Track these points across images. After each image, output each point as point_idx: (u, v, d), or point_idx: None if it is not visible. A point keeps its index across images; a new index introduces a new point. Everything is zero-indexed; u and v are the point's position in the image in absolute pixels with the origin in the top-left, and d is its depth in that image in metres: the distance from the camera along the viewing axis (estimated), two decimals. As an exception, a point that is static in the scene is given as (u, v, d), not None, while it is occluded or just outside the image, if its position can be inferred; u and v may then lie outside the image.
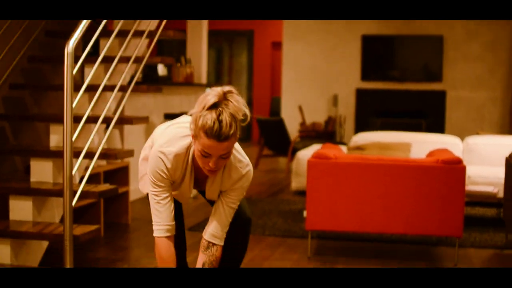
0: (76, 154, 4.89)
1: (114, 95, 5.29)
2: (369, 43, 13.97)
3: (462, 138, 10.36)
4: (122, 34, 5.79)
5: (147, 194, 3.52)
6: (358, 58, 14.07)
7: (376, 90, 14.01)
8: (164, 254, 3.40)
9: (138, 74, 5.75)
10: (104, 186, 5.18)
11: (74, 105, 4.57)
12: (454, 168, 5.62)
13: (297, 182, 9.17)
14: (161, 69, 10.81)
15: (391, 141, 8.75)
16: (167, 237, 3.39)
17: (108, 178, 7.08)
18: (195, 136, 3.17)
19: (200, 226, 6.85)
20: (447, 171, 5.61)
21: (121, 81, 5.41)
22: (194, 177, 3.46)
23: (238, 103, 3.14)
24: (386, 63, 14.02)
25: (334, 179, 5.74)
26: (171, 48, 16.61)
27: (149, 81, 9.36)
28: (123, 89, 5.54)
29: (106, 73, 5.71)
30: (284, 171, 11.73)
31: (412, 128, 13.22)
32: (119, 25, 5.52)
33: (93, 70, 5.11)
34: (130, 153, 5.47)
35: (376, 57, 14.00)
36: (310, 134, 13.13)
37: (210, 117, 3.07)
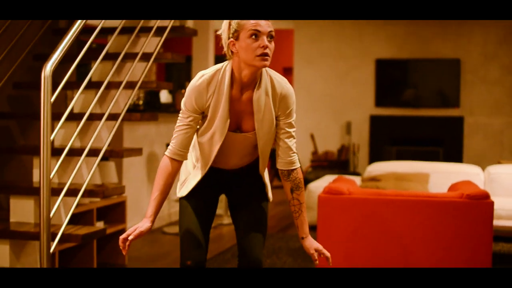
0: (59, 191, 4.38)
1: (101, 123, 4.77)
2: (383, 67, 13.47)
3: (482, 167, 9.81)
4: (115, 57, 5.30)
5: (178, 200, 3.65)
6: (372, 83, 13.56)
7: (391, 117, 13.49)
8: (160, 168, 3.46)
9: (131, 101, 5.26)
10: (90, 228, 4.64)
11: (53, 136, 4.09)
12: (481, 203, 5.07)
13: (309, 216, 8.59)
14: (165, 96, 10.29)
15: (408, 172, 8.22)
16: (172, 159, 3.44)
17: (103, 215, 6.54)
18: (236, 34, 3.25)
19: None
20: (473, 207, 5.06)
21: (110, 108, 4.89)
22: (238, 116, 3.41)
23: None
24: (401, 88, 13.50)
25: (348, 216, 5.20)
26: (179, 73, 16.11)
27: (151, 109, 8.84)
28: (114, 117, 5.03)
29: (99, 100, 5.25)
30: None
31: (429, 156, 12.70)
32: (109, 43, 5.04)
33: (77, 96, 4.62)
34: (121, 189, 4.93)
35: (391, 82, 13.50)
36: (323, 164, 12.59)
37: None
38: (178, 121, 3.43)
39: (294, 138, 3.51)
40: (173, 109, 9.69)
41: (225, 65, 3.35)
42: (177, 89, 10.23)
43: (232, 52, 3.30)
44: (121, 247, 3.31)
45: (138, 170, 8.08)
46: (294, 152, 3.51)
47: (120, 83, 5.15)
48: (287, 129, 3.45)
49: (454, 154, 13.09)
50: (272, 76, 3.40)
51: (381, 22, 13.39)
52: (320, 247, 3.52)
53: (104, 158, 5.90)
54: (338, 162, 13.12)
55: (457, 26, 13.09)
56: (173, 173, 3.45)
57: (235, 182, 3.63)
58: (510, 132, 13.00)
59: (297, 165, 3.54)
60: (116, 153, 5.02)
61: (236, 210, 3.66)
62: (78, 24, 4.36)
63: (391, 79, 13.49)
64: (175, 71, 16.09)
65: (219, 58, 12.14)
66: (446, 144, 13.24)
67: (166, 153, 3.47)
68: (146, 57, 5.52)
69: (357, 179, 8.66)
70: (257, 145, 3.45)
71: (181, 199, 3.63)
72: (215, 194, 3.66)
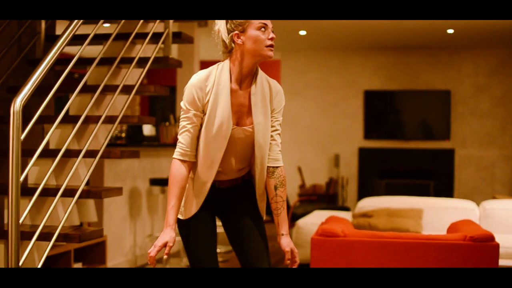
0: (31, 235, 4.03)
1: (78, 161, 4.43)
2: (372, 99, 13.23)
3: (474, 200, 9.53)
4: (95, 89, 4.97)
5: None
6: (360, 115, 13.32)
7: (380, 149, 13.23)
8: (172, 173, 3.44)
9: (112, 135, 4.93)
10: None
11: (23, 175, 3.76)
12: (486, 246, 4.74)
13: (299, 254, 8.24)
14: (149, 129, 9.95)
15: (400, 207, 7.90)
16: (183, 160, 3.45)
17: (81, 255, 6.18)
18: (241, 28, 3.38)
19: None
20: (477, 250, 4.73)
21: (88, 144, 4.55)
22: (237, 110, 3.47)
23: None
24: (390, 120, 13.26)
25: (343, 259, 4.86)
26: (164, 105, 15.77)
27: (133, 142, 8.50)
28: (92, 154, 4.69)
29: (77, 135, 4.92)
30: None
31: (420, 189, 12.45)
32: (87, 74, 4.71)
33: (51, 130, 4.27)
34: (99, 233, 4.54)
35: (380, 114, 13.26)
36: (311, 198, 12.25)
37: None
38: (181, 122, 3.46)
39: (280, 137, 3.61)
40: (157, 142, 9.36)
41: (220, 64, 3.46)
42: (161, 122, 9.90)
43: (233, 44, 3.41)
44: (151, 263, 3.31)
45: (120, 206, 7.72)
46: (280, 150, 3.61)
47: (100, 117, 4.81)
48: (276, 126, 3.56)
49: (445, 187, 12.85)
50: (266, 76, 3.55)
51: (370, 52, 13.17)
52: (295, 249, 3.57)
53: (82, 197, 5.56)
54: (326, 196, 12.82)
55: (447, 56, 12.89)
56: (186, 176, 3.46)
57: (231, 203, 3.62)
58: (502, 164, 12.76)
59: (282, 163, 3.63)
60: (93, 193, 4.64)
61: (236, 231, 3.64)
62: (52, 55, 4.04)
63: (380, 111, 13.26)
64: (160, 102, 15.76)
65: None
66: (437, 177, 12.98)
67: (175, 156, 3.46)
68: (127, 89, 5.20)
69: (347, 215, 8.34)
70: (254, 141, 3.48)
71: (183, 221, 3.56)
72: (213, 217, 3.62)
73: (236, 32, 3.38)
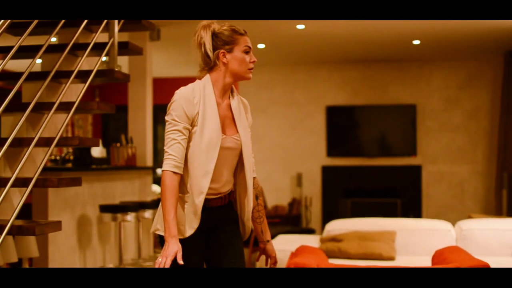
0: None
1: (6, 191, 3.77)
2: (334, 115, 12.72)
3: (445, 218, 9.06)
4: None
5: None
6: (323, 132, 12.78)
7: (344, 167, 12.73)
8: (167, 185, 3.41)
9: (58, 157, 4.28)
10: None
11: None
12: (480, 278, 4.16)
13: (263, 283, 7.67)
14: (99, 150, 9.28)
15: (371, 230, 7.35)
16: (174, 172, 3.44)
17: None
18: (229, 47, 3.53)
19: None
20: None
21: (17, 170, 3.90)
22: (222, 121, 3.57)
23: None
24: (354, 137, 12.75)
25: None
26: (117, 124, 15.07)
27: (81, 165, 7.83)
28: (25, 183, 4.04)
29: (11, 161, 4.28)
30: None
31: (387, 208, 12.01)
32: (14, 89, 4.06)
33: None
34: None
35: (343, 130, 12.76)
36: (274, 221, 11.66)
37: (224, 27, 3.57)
38: (169, 134, 3.46)
39: None
40: (106, 165, 8.69)
41: (202, 80, 3.57)
42: (112, 142, 9.24)
43: (217, 61, 3.54)
44: None
45: (68, 236, 7.05)
46: (253, 161, 3.78)
47: (33, 139, 4.17)
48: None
49: (413, 206, 12.39)
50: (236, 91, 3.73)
51: (336, 66, 12.67)
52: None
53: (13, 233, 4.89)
54: (289, 217, 12.27)
55: (416, 69, 12.46)
56: (178, 187, 3.45)
57: (218, 224, 3.61)
58: (474, 181, 12.37)
59: (255, 174, 3.83)
60: (26, 229, 3.96)
61: (218, 254, 3.66)
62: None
63: (343, 127, 12.79)
64: (113, 121, 15.05)
65: (158, 107, 10.87)
66: (404, 195, 12.54)
67: (167, 168, 3.43)
68: (68, 107, 4.57)
69: (314, 239, 7.79)
70: (242, 151, 3.61)
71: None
72: (203, 238, 3.59)
73: (223, 51, 3.53)
